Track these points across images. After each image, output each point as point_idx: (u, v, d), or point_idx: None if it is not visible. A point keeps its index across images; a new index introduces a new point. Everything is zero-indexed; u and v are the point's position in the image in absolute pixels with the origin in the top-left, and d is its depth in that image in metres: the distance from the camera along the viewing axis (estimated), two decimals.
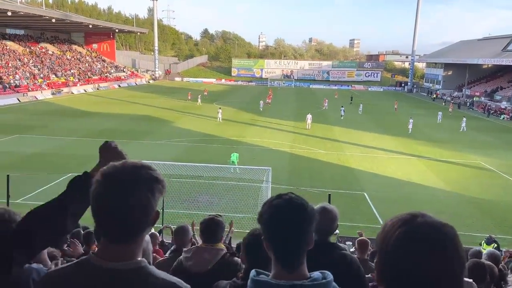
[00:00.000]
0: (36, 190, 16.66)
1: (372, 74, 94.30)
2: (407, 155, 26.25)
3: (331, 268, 1.58)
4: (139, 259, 1.39)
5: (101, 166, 1.51)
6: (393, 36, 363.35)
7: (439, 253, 1.06)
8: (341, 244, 3.01)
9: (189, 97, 50.62)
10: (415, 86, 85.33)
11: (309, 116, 34.32)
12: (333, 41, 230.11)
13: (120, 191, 1.32)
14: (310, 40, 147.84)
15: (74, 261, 1.44)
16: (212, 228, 2.86)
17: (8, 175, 10.86)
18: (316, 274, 1.44)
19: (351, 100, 51.33)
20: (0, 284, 1.55)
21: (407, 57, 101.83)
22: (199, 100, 47.53)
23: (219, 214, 3.12)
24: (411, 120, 34.39)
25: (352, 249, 9.03)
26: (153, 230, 8.40)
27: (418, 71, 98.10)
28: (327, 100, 50.06)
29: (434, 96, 70.04)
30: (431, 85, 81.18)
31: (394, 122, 39.32)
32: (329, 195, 11.10)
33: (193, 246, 2.96)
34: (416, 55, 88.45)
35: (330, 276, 1.43)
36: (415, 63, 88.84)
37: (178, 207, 14.65)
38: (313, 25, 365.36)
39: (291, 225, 1.42)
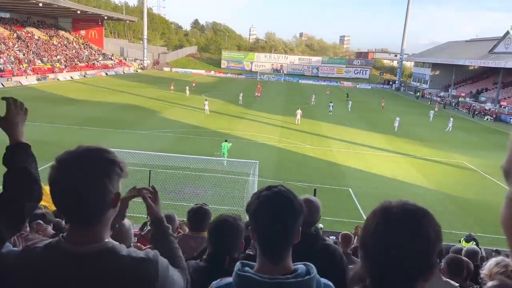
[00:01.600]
0: None
1: (361, 71, 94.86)
2: (392, 153, 26.57)
3: (314, 257, 1.60)
4: (106, 240, 1.41)
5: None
6: (383, 34, 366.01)
7: (406, 230, 1.15)
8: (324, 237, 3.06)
9: (172, 87, 49.88)
10: (402, 84, 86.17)
11: (299, 112, 34.40)
12: (323, 37, 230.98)
13: (73, 176, 1.34)
14: (301, 35, 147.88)
15: (45, 243, 1.43)
16: (199, 216, 2.87)
17: None
18: (301, 267, 1.44)
19: (348, 97, 51.62)
20: None
21: (396, 56, 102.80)
22: (187, 91, 46.89)
23: (205, 203, 3.12)
24: (397, 119, 34.77)
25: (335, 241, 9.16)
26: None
27: (406, 70, 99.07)
28: (314, 96, 50.20)
29: (418, 94, 71.04)
30: (418, 84, 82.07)
31: (380, 120, 39.71)
32: (315, 189, 11.22)
33: (179, 234, 2.96)
34: (405, 54, 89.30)
35: (314, 270, 1.44)
36: (403, 62, 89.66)
37: (163, 198, 14.52)
38: (305, 20, 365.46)
39: (277, 217, 1.43)
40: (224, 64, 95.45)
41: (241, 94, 45.50)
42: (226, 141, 21.44)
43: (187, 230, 3.16)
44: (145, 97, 43.36)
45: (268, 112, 38.71)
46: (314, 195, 11.11)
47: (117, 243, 1.43)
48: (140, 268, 1.37)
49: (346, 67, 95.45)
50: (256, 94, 50.09)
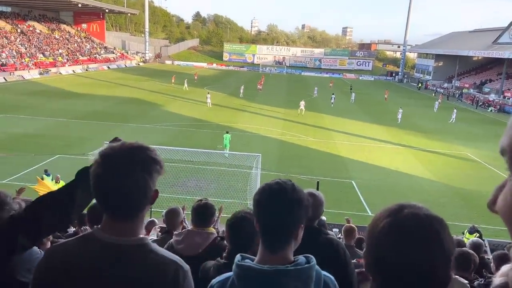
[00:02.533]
0: (22, 171, 16.47)
1: (364, 63, 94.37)
2: (395, 145, 26.52)
3: (317, 252, 1.61)
4: (141, 236, 1.45)
5: None
6: (386, 25, 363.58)
7: (420, 246, 1.05)
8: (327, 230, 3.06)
9: (173, 80, 49.54)
10: (405, 76, 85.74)
11: (302, 103, 34.31)
12: (326, 29, 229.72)
13: (117, 172, 1.37)
14: (303, 26, 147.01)
15: (80, 235, 1.48)
16: (204, 212, 2.87)
17: None
18: (300, 258, 1.47)
19: (351, 90, 51.36)
20: (3, 267, 1.57)
21: (399, 47, 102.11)
22: (186, 85, 45.95)
23: (206, 198, 3.12)
24: (400, 110, 34.65)
25: (339, 236, 9.18)
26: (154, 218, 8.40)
27: (409, 61, 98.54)
28: (316, 88, 49.97)
29: (420, 85, 70.79)
30: (421, 75, 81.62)
31: (383, 112, 39.56)
32: (318, 182, 11.23)
33: (184, 230, 2.97)
34: (408, 45, 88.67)
35: (313, 260, 1.46)
36: (406, 53, 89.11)
37: (167, 191, 14.63)
38: (307, 12, 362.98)
39: (278, 207, 1.46)
40: (226, 56, 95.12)
41: (242, 87, 45.01)
42: (227, 132, 21.43)
43: (189, 226, 3.17)
44: (148, 91, 43.34)
45: (271, 105, 38.62)
46: (317, 188, 11.13)
47: (150, 241, 1.47)
48: (171, 270, 1.41)
49: (348, 58, 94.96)
50: (258, 87, 49.88)
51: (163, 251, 1.47)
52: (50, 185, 10.03)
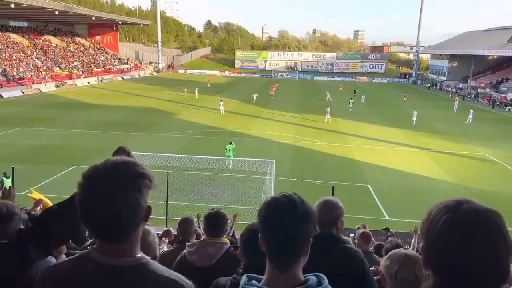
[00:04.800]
0: (40, 182, 16.75)
1: (377, 65, 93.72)
2: (411, 147, 26.15)
3: (333, 261, 1.55)
4: (138, 255, 1.37)
5: None
6: (398, 27, 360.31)
7: (485, 240, 1.07)
8: (344, 237, 3.00)
9: (186, 90, 49.78)
10: (419, 77, 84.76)
11: (328, 110, 33.97)
12: (337, 33, 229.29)
13: (104, 194, 1.27)
14: (314, 31, 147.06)
15: (75, 255, 1.42)
16: (216, 222, 2.84)
17: (13, 167, 10.94)
18: (311, 278, 1.39)
19: (355, 93, 51.07)
20: (16, 279, 1.55)
21: (411, 49, 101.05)
22: (196, 93, 46.13)
23: (219, 207, 3.10)
24: (415, 112, 34.23)
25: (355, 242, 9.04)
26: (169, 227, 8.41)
27: (422, 62, 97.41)
28: (328, 93, 49.69)
29: (429, 85, 70.36)
30: (436, 76, 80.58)
31: (398, 114, 39.13)
32: (333, 187, 11.11)
33: (197, 240, 2.95)
34: (421, 46, 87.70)
35: (325, 281, 1.38)
36: (419, 54, 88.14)
37: (182, 199, 14.70)
38: (317, 16, 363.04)
39: (285, 224, 1.37)
40: (238, 64, 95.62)
41: (255, 94, 45.18)
42: (230, 143, 21.25)
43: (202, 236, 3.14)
44: (161, 100, 43.78)
45: (284, 110, 38.59)
46: (332, 193, 11.01)
47: (150, 259, 1.40)
48: None
49: (361, 62, 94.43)
50: (270, 93, 49.96)
51: (163, 270, 1.37)
52: (39, 195, 10.06)
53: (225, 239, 2.84)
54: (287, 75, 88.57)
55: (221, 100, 37.57)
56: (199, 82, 59.24)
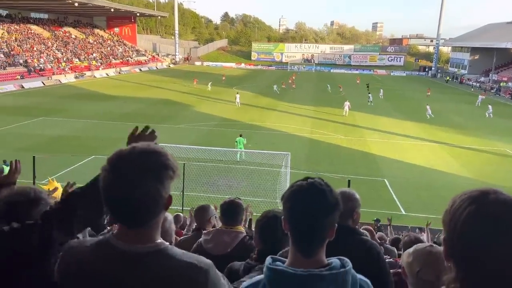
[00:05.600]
0: (60, 171, 17.12)
1: (395, 58, 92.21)
2: (429, 141, 25.74)
3: (349, 252, 1.55)
4: (158, 241, 1.39)
5: None
6: (418, 19, 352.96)
7: (511, 232, 1.02)
8: (360, 230, 2.98)
9: (195, 83, 49.41)
10: (439, 71, 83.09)
11: (346, 103, 33.63)
12: (355, 25, 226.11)
13: (126, 181, 1.29)
14: (332, 23, 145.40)
15: (95, 239, 1.44)
16: (232, 210, 2.86)
17: (34, 157, 11.19)
18: (335, 261, 1.40)
19: (368, 87, 50.12)
20: (38, 258, 1.58)
21: (431, 41, 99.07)
22: (209, 86, 45.72)
23: (238, 197, 3.11)
24: (428, 107, 33.94)
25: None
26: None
27: (443, 55, 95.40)
28: (341, 87, 49.19)
29: (448, 78, 69.18)
30: (456, 70, 78.85)
31: (416, 108, 38.48)
32: (349, 180, 11.03)
33: (213, 229, 2.98)
34: (441, 38, 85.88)
35: (349, 263, 1.39)
36: (440, 47, 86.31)
37: (198, 190, 14.83)
38: (335, 8, 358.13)
39: (309, 209, 1.38)
40: (254, 56, 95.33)
41: (275, 86, 46.28)
42: (240, 136, 21.25)
43: (220, 224, 3.17)
44: (178, 92, 44.04)
45: (299, 103, 38.38)
46: (348, 186, 10.96)
47: (169, 244, 1.41)
48: (191, 274, 1.34)
49: (379, 54, 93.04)
50: (292, 86, 50.30)
51: (181, 254, 1.38)
52: (56, 184, 10.23)
53: (240, 228, 2.86)
54: (303, 67, 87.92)
55: (237, 93, 37.58)
56: (214, 75, 59.28)
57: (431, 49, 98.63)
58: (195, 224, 3.55)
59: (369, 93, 41.76)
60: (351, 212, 2.52)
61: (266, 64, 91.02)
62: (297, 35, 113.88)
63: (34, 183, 11.32)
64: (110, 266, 1.34)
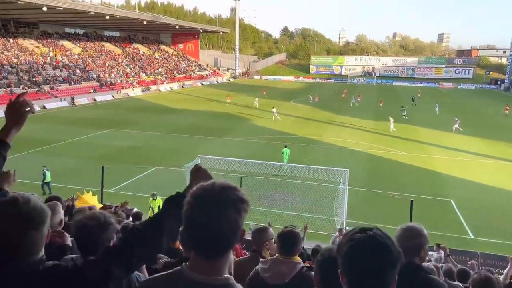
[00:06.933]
0: (126, 180, 18.07)
1: (463, 71, 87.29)
2: (500, 160, 23.85)
3: None
4: (226, 275, 1.47)
5: (192, 186, 1.60)
6: (488, 29, 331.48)
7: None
8: (428, 264, 2.79)
9: (228, 100, 46.93)
10: None
11: (390, 119, 32.12)
12: (419, 36, 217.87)
13: (209, 212, 1.39)
14: (394, 35, 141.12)
15: (167, 272, 1.53)
16: (290, 241, 2.84)
17: (103, 167, 11.93)
18: None
19: (413, 101, 47.24)
20: None
21: (504, 52, 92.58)
22: (256, 103, 44.12)
23: (293, 225, 3.08)
24: (456, 119, 31.92)
25: (435, 256, 8.41)
26: None
27: None
28: (360, 96, 49.12)
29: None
30: None
31: (485, 124, 35.97)
32: (412, 201, 10.52)
33: (270, 258, 2.96)
34: None
35: None
36: None
37: (253, 204, 14.87)
38: (398, 19, 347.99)
39: (371, 265, 1.30)
40: (312, 69, 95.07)
41: (353, 97, 47.60)
42: (285, 146, 21.23)
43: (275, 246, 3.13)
44: (237, 105, 44.91)
45: (359, 117, 37.46)
46: (411, 208, 10.42)
47: (235, 282, 1.49)
48: None
49: (445, 67, 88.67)
50: (358, 99, 49.39)
51: None
52: (88, 199, 10.29)
53: (297, 258, 2.82)
54: (363, 80, 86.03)
55: (273, 107, 36.71)
56: (270, 88, 59.51)
57: (504, 60, 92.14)
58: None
59: (402, 107, 39.64)
60: (419, 249, 2.39)
61: (324, 77, 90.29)
62: (358, 48, 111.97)
63: (102, 192, 12.05)
64: None
